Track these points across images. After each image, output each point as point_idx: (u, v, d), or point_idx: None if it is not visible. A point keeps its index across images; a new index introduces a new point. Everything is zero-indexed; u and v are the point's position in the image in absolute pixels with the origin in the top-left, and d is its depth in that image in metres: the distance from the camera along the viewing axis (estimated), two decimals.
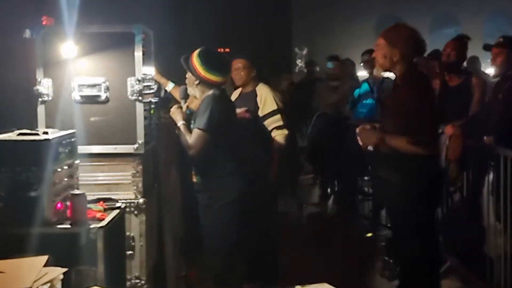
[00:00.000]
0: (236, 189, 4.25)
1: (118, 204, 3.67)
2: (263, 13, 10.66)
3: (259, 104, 5.15)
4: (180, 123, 4.24)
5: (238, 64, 5.22)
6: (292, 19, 11.57)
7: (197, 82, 4.24)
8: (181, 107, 4.36)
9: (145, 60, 3.99)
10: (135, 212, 3.89)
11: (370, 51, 6.42)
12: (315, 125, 8.24)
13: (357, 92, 7.59)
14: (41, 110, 3.90)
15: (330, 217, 7.70)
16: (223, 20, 9.43)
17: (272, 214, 5.39)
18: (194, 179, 4.37)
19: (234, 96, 5.33)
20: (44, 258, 2.36)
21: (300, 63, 11.57)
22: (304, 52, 11.51)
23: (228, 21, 9.54)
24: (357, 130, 4.08)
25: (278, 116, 5.11)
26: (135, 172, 3.94)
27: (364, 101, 7.53)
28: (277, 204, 5.83)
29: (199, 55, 4.23)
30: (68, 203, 3.30)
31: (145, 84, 3.99)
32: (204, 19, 8.65)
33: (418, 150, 3.78)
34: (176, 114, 4.29)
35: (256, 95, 5.18)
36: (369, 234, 6.69)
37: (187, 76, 4.32)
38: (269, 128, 5.10)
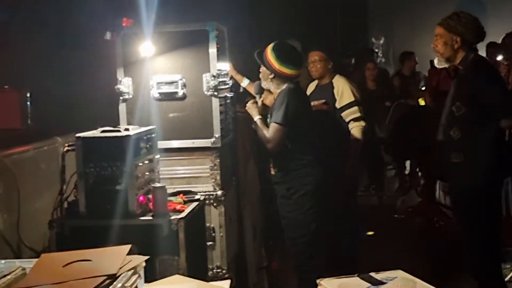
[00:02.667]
0: (312, 180, 4.29)
1: (197, 197, 3.75)
2: (338, 3, 10.60)
3: (336, 96, 5.16)
4: (257, 117, 4.29)
5: (314, 57, 5.24)
6: (368, 8, 11.41)
7: (271, 76, 4.28)
8: (256, 102, 4.42)
9: (220, 56, 4.06)
10: (214, 204, 3.96)
11: None
12: (393, 116, 8.15)
13: (435, 80, 7.48)
14: (122, 108, 4.02)
15: (410, 208, 7.60)
16: (298, 12, 9.43)
17: (351, 205, 5.40)
18: (272, 172, 4.43)
19: (310, 88, 5.36)
20: (128, 247, 2.46)
21: (378, 52, 11.39)
22: (381, 41, 11.32)
23: (302, 13, 9.52)
24: None
25: (356, 108, 5.11)
26: (213, 165, 4.00)
27: (442, 90, 7.39)
28: (356, 195, 5.83)
29: (274, 48, 4.27)
30: (150, 196, 3.40)
31: (220, 79, 4.05)
32: (278, 13, 8.68)
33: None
34: (252, 109, 4.35)
35: (333, 87, 5.19)
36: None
37: (260, 70, 4.38)
38: (347, 120, 5.10)
